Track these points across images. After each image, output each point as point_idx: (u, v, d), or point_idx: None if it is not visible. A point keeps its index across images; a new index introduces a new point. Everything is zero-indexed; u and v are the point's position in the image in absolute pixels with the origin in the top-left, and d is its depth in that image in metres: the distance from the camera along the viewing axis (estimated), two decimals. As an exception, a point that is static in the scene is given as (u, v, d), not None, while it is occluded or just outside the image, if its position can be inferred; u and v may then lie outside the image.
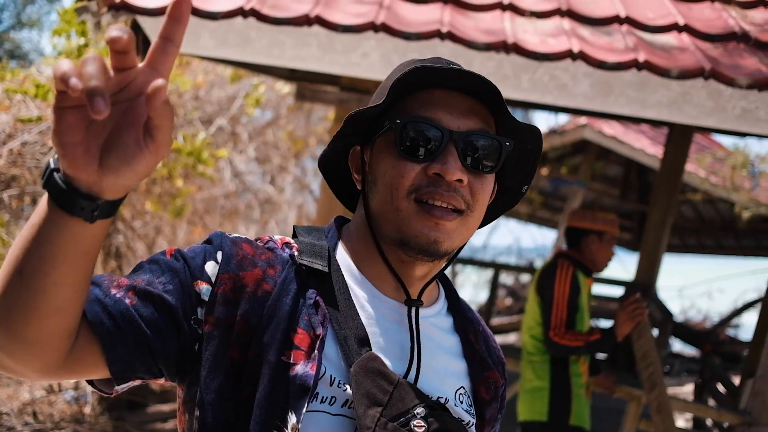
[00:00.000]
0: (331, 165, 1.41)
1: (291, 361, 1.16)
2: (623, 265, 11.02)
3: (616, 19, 3.59)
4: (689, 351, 10.90)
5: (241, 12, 3.21)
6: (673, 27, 3.58)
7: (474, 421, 1.34)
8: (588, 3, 3.71)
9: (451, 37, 3.24)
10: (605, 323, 8.39)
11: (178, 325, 1.15)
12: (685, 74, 3.26)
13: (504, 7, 3.56)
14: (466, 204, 1.23)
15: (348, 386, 1.19)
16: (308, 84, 4.47)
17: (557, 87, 3.59)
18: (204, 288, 1.18)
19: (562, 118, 8.52)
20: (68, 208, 0.91)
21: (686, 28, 3.57)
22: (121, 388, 1.18)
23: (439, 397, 1.28)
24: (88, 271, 1.00)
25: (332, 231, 1.36)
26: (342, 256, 1.32)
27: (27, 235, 0.95)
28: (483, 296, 14.98)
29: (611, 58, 3.27)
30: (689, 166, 8.21)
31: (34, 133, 7.27)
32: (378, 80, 4.19)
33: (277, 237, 1.32)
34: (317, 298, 1.22)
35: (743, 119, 3.66)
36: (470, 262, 11.87)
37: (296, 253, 1.27)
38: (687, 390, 8.58)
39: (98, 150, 0.89)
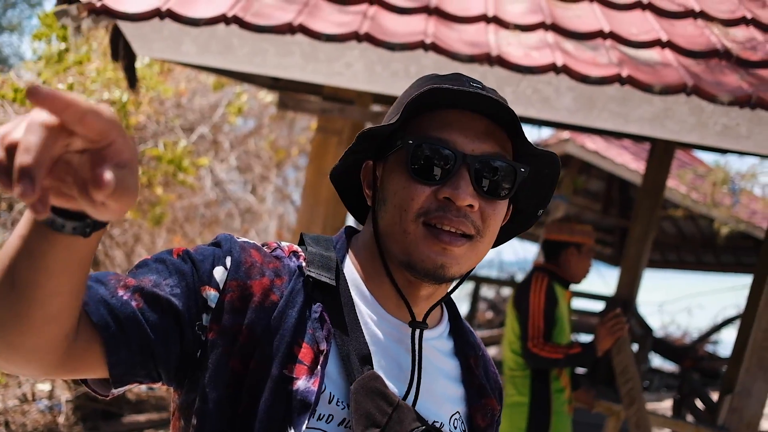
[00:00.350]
0: (342, 177, 1.37)
1: (293, 376, 1.14)
2: (604, 280, 11.05)
3: (600, 34, 3.59)
4: (668, 366, 10.93)
5: (223, 19, 3.19)
6: (657, 43, 3.59)
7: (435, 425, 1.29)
8: (572, 17, 3.71)
9: (435, 48, 3.23)
10: (586, 338, 8.40)
11: (182, 331, 1.13)
12: (668, 90, 3.26)
13: (488, 20, 3.56)
14: (476, 229, 1.21)
15: (346, 405, 1.17)
16: (291, 93, 4.45)
17: (540, 100, 3.59)
18: (211, 294, 1.15)
19: (545, 132, 8.57)
20: (59, 229, 0.84)
21: (669, 44, 3.58)
22: (117, 391, 1.15)
23: (434, 422, 1.26)
24: (84, 277, 0.96)
25: (341, 242, 1.32)
26: (349, 269, 1.29)
27: (16, 246, 0.89)
28: (464, 309, 14.97)
29: (595, 72, 3.27)
30: (671, 182, 8.25)
31: (13, 138, 7.16)
32: (361, 90, 4.17)
33: (284, 244, 1.29)
34: (323, 312, 1.19)
35: (724, 135, 3.67)
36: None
37: (304, 264, 1.24)
38: (666, 405, 8.60)
39: (76, 182, 0.77)
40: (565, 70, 3.25)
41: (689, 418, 6.46)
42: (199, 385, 1.16)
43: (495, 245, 1.37)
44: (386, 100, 5.61)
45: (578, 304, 10.90)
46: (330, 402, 1.17)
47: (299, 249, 1.28)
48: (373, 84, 3.70)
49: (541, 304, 3.77)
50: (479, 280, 9.52)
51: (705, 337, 10.36)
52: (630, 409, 4.21)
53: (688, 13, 3.88)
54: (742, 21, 3.86)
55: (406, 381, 1.24)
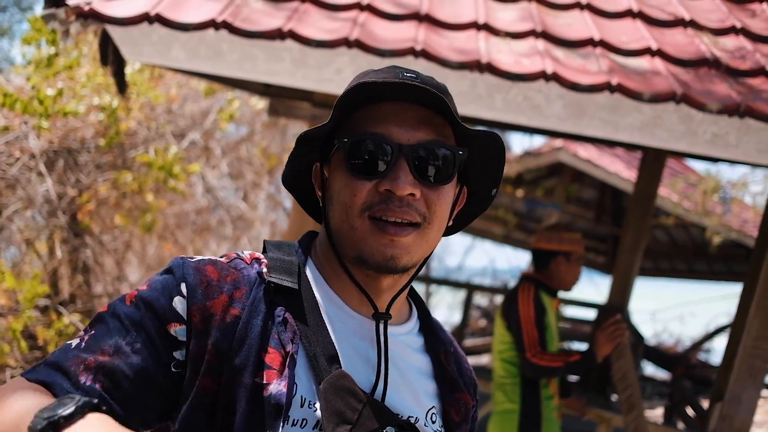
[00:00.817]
0: (298, 182, 1.40)
1: (264, 382, 1.14)
2: (597, 288, 11.06)
3: (590, 42, 3.59)
4: (660, 374, 10.94)
5: (213, 24, 3.17)
6: (647, 51, 3.59)
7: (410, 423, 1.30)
8: (563, 25, 3.71)
9: (425, 55, 3.22)
10: (579, 346, 8.39)
11: (156, 384, 1.14)
12: (657, 98, 3.26)
13: (479, 27, 3.55)
14: (422, 217, 1.22)
15: (317, 406, 1.17)
16: (281, 99, 4.43)
17: (531, 108, 3.58)
18: (179, 329, 1.16)
19: (538, 140, 8.60)
20: None
21: (659, 53, 3.58)
22: None
23: (409, 417, 1.27)
24: None
25: (301, 245, 1.35)
26: (312, 271, 1.31)
27: None
28: (457, 317, 14.98)
29: (584, 80, 3.27)
30: (662, 191, 8.27)
31: (1, 142, 7.16)
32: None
33: (246, 253, 1.29)
34: (285, 314, 1.20)
35: (713, 144, 3.67)
36: (444, 282, 11.84)
37: (265, 270, 1.25)
38: (657, 413, 8.59)
39: None
40: (554, 77, 3.25)
41: (680, 425, 6.46)
42: (179, 412, 1.17)
43: (456, 229, 1.43)
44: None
45: (571, 312, 10.91)
46: (302, 406, 1.17)
47: (261, 255, 1.30)
48: (363, 90, 3.70)
49: (530, 313, 3.76)
50: (472, 288, 9.51)
51: (697, 346, 10.37)
52: (629, 416, 4.20)
53: (678, 22, 3.89)
54: (732, 30, 3.86)
55: (374, 373, 1.25)
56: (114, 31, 3.47)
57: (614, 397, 7.04)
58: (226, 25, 3.17)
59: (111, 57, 3.87)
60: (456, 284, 10.78)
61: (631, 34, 3.74)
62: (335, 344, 1.22)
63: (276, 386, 1.14)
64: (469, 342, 10.78)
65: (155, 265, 8.50)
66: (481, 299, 13.72)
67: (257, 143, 8.84)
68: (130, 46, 3.58)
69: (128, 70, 6.69)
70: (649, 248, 11.00)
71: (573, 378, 6.91)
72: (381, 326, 1.27)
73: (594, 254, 11.30)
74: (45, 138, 7.09)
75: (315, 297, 1.26)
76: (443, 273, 16.31)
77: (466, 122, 4.13)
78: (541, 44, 3.51)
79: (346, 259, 1.26)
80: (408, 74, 1.24)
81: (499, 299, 13.91)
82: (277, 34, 3.18)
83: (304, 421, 1.17)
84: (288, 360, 1.16)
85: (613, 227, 10.22)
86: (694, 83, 3.39)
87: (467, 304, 8.57)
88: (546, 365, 3.68)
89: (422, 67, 3.38)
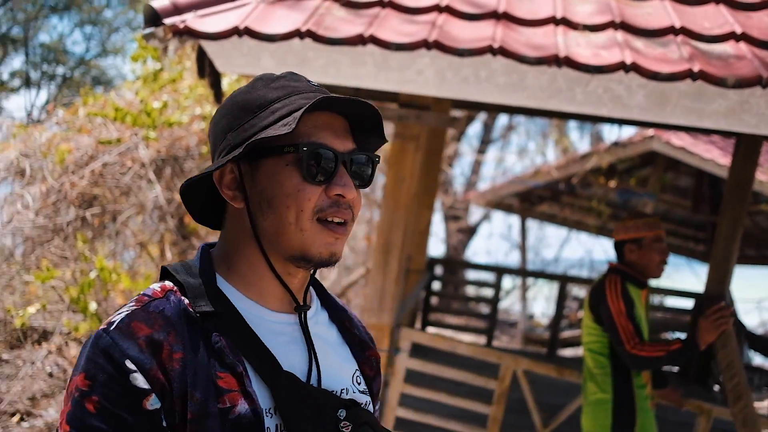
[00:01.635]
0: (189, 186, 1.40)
1: (228, 405, 1.20)
2: (698, 278, 10.78)
3: (671, 30, 3.58)
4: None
5: (297, 34, 3.35)
6: (730, 36, 3.55)
7: (369, 399, 1.43)
8: (642, 15, 3.72)
9: (503, 52, 3.30)
10: (680, 336, 8.22)
11: None
12: (742, 83, 3.24)
13: (557, 22, 3.60)
14: (351, 216, 1.33)
15: (273, 413, 1.25)
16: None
17: (612, 99, 3.61)
18: (152, 400, 1.17)
19: (628, 131, 8.43)
20: None
21: (744, 37, 3.54)
22: None
23: (342, 389, 1.37)
24: None
25: (204, 262, 1.35)
26: (224, 285, 1.33)
27: None
28: (551, 309, 14.85)
29: (665, 68, 3.28)
30: (762, 176, 8.00)
31: (114, 154, 7.60)
32: (433, 96, 4.28)
33: (155, 287, 1.30)
34: (220, 338, 1.24)
35: (807, 127, 3.61)
36: (539, 275, 11.77)
37: (185, 300, 1.27)
38: (766, 404, 8.34)
39: None
40: (634, 67, 3.27)
41: (789, 417, 6.27)
42: None
43: None
44: (464, 104, 5.71)
45: (671, 302, 10.68)
46: (267, 416, 1.25)
47: (170, 284, 1.31)
48: (444, 90, 3.81)
49: (621, 307, 3.72)
50: (566, 280, 9.45)
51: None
52: (736, 406, 4.05)
53: (764, 5, 3.82)
54: (821, 9, 3.78)
55: (307, 363, 1.34)
56: (208, 46, 3.69)
57: (716, 388, 6.89)
58: (310, 34, 3.34)
59: (207, 69, 4.11)
60: (550, 276, 10.70)
61: (714, 19, 3.71)
62: (270, 350, 1.28)
63: (242, 406, 1.21)
64: (566, 334, 10.70)
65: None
66: (579, 291, 13.58)
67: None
68: (223, 59, 3.80)
69: (226, 81, 7.00)
70: (753, 235, 10.65)
71: (674, 368, 6.81)
72: (302, 317, 1.36)
73: (693, 243, 11.04)
74: (153, 148, 7.50)
75: (236, 310, 1.29)
76: (539, 265, 16.19)
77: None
78: (620, 35, 3.53)
79: (276, 258, 1.32)
80: (311, 83, 1.35)
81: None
82: (359, 40, 3.33)
83: (277, 427, 1.25)
84: (244, 379, 1.23)
85: (712, 215, 9.94)
86: (780, 66, 3.34)
87: (562, 296, 8.53)
88: (647, 355, 3.65)
89: (501, 64, 3.46)
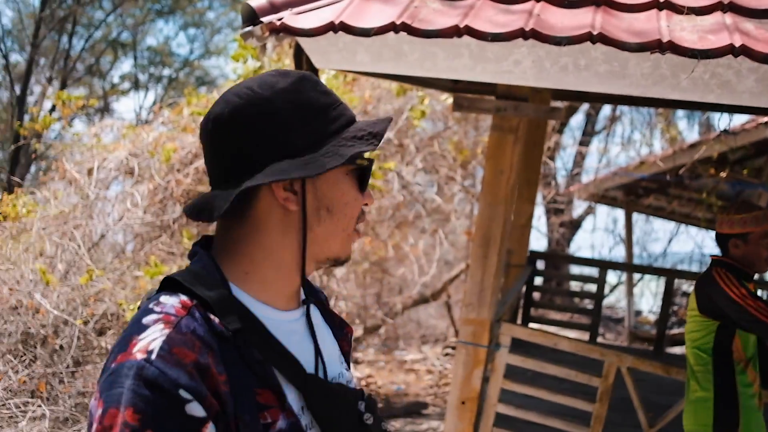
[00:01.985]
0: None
1: (269, 421, 1.20)
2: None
3: (784, 10, 3.39)
4: None
5: (393, 27, 3.33)
6: None
7: (351, 375, 1.49)
8: (754, -5, 3.53)
9: (603, 39, 3.19)
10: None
11: None
12: None
13: (660, 6, 3.46)
14: None
15: (302, 412, 1.27)
16: (465, 94, 4.54)
17: (719, 85, 3.44)
18: (210, 428, 1.14)
19: (739, 119, 8.01)
20: None
21: None
22: None
23: (338, 373, 1.42)
24: None
25: (213, 270, 1.30)
26: (238, 293, 1.30)
27: None
28: (657, 305, 14.37)
29: (778, 51, 3.10)
30: None
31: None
32: (530, 87, 4.19)
33: (174, 303, 1.22)
34: (252, 351, 1.23)
35: None
36: (644, 269, 11.39)
37: (214, 318, 1.22)
38: None
39: None
40: (744, 51, 3.10)
41: None
42: None
43: None
44: (565, 95, 5.57)
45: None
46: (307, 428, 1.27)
47: (187, 299, 1.24)
48: (543, 80, 3.72)
49: (742, 291, 3.56)
50: (674, 274, 9.09)
51: None
52: None
53: None
54: None
55: (314, 355, 1.36)
56: (304, 42, 3.72)
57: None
58: (405, 27, 3.31)
59: (305, 66, 4.14)
60: (657, 271, 10.31)
61: (834, -4, 3.48)
62: (294, 355, 1.29)
63: (283, 422, 1.22)
64: (675, 331, 10.33)
65: (359, 259, 8.88)
66: (689, 287, 13.09)
67: (449, 138, 9.01)
68: (319, 55, 3.82)
69: (324, 77, 7.06)
70: None
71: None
72: (305, 311, 1.40)
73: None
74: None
75: (261, 323, 1.28)
76: (646, 260, 15.68)
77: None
78: (728, 18, 3.35)
79: (309, 262, 1.35)
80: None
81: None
82: (454, 32, 3.28)
83: (306, 426, 1.26)
84: (281, 393, 1.23)
85: (836, 205, 9.39)
86: None
87: (669, 291, 8.21)
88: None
89: (601, 51, 3.35)
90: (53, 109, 16.75)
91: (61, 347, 7.35)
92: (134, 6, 22.99)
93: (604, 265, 8.63)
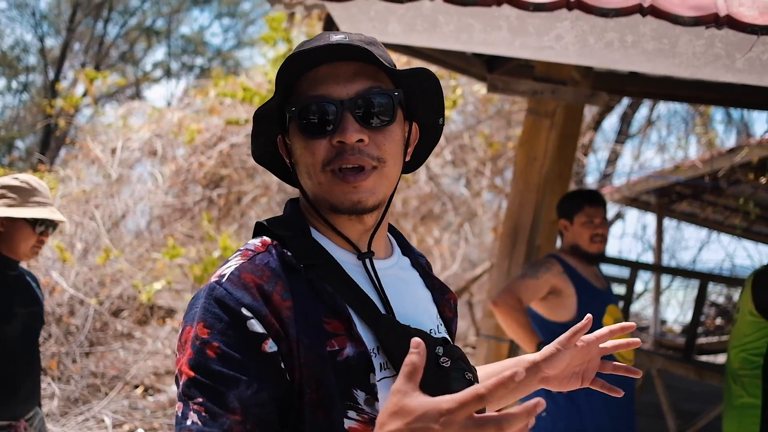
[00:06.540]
0: (269, 156, 1.53)
1: (336, 348, 1.27)
2: None
3: None
4: None
5: (425, -7, 3.12)
6: None
7: (450, 339, 1.53)
8: (818, -27, 3.27)
9: (654, 12, 2.96)
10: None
11: (290, 402, 1.25)
12: None
13: (716, -19, 3.22)
14: (375, 159, 1.35)
15: (377, 352, 1.32)
16: (500, 76, 4.31)
17: (779, 67, 3.20)
18: (270, 344, 1.23)
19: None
20: None
21: None
22: None
23: (430, 329, 1.45)
24: None
25: (296, 215, 1.45)
26: (317, 235, 1.43)
27: None
28: (689, 314, 14.02)
29: None
30: None
31: (242, 135, 7.64)
32: (572, 64, 3.95)
33: (255, 242, 1.39)
34: (323, 284, 1.32)
35: None
36: (677, 271, 11.07)
37: (287, 253, 1.34)
38: None
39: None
40: (809, 29, 2.86)
41: None
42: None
43: (417, 164, 1.61)
44: (602, 87, 5.33)
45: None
46: (371, 354, 1.31)
47: (269, 239, 1.39)
48: (586, 57, 3.49)
49: None
50: (709, 278, 8.73)
51: None
52: None
53: None
54: None
55: (382, 306, 1.38)
56: (334, 10, 3.52)
57: None
58: (440, -7, 3.11)
59: (332, 37, 3.95)
60: (690, 273, 9.96)
61: None
62: (368, 295, 1.36)
63: (350, 348, 1.28)
64: (702, 340, 10.03)
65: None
66: (717, 297, 12.76)
67: (480, 131, 8.78)
68: (349, 24, 3.62)
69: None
70: None
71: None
72: (368, 263, 1.42)
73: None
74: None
75: (335, 261, 1.37)
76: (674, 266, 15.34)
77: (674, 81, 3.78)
78: (792, -6, 3.11)
79: (324, 211, 1.40)
80: (335, 36, 1.36)
81: (738, 295, 12.89)
82: (494, 0, 3.07)
83: (381, 366, 1.32)
84: (350, 323, 1.30)
85: None
86: None
87: (701, 295, 7.89)
88: None
89: (651, 27, 3.12)
90: (85, 94, 16.80)
91: (76, 327, 7.25)
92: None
93: (635, 266, 8.34)
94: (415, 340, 1.12)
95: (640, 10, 2.97)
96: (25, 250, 3.22)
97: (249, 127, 7.45)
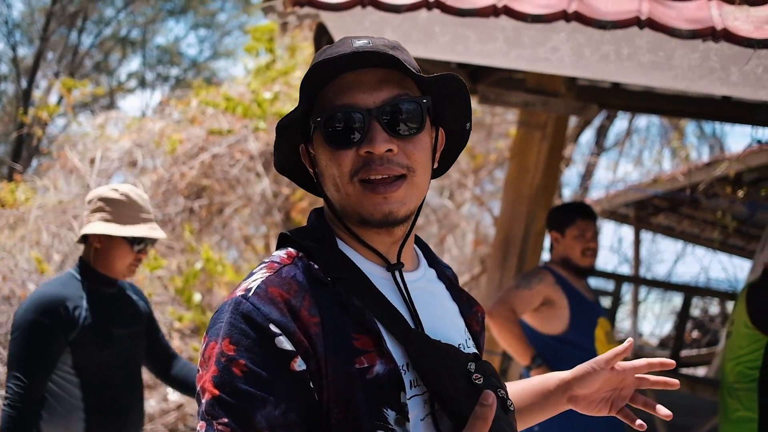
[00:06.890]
0: (291, 165, 1.49)
1: (366, 365, 1.23)
2: None
3: None
4: None
5: (425, 4, 3.11)
6: None
7: (477, 353, 1.45)
8: (812, -13, 3.31)
9: (651, 25, 2.98)
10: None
11: (317, 421, 1.21)
12: None
13: (711, -6, 3.25)
14: (405, 168, 1.31)
15: (407, 369, 1.28)
16: (492, 87, 4.31)
17: (773, 80, 3.22)
18: (298, 363, 1.20)
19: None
20: None
21: None
22: None
23: (459, 344, 1.41)
24: None
25: (322, 226, 1.40)
26: (344, 247, 1.38)
27: None
28: (667, 328, 14.09)
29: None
30: None
31: (224, 145, 7.58)
32: (567, 76, 3.97)
33: (281, 254, 1.35)
34: (352, 299, 1.28)
35: None
36: (661, 284, 11.12)
37: (314, 265, 1.30)
38: None
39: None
40: (805, 43, 2.89)
41: None
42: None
43: (443, 170, 1.56)
44: (586, 99, 5.35)
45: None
46: (402, 371, 1.27)
47: (294, 251, 1.35)
48: (581, 69, 3.50)
49: None
50: (693, 291, 8.78)
51: None
52: None
53: None
54: None
55: (412, 320, 1.34)
56: (328, 19, 3.50)
57: None
58: (439, 5, 3.10)
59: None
60: (673, 286, 10.01)
61: None
62: (398, 309, 1.31)
63: (380, 366, 1.23)
64: (684, 353, 10.09)
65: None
66: (692, 309, 12.85)
67: (462, 143, 8.79)
68: (343, 34, 3.60)
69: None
70: None
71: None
72: (397, 276, 1.37)
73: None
74: (262, 140, 7.45)
75: (364, 274, 1.33)
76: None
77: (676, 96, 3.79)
78: (785, 9, 3.14)
79: (351, 223, 1.35)
80: (359, 42, 1.32)
81: (714, 310, 12.98)
82: (491, 11, 3.07)
83: (411, 383, 1.27)
84: (380, 340, 1.25)
85: None
86: None
87: (686, 307, 7.92)
88: None
89: (647, 40, 3.13)
90: (59, 102, 16.58)
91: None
92: (146, 4, 22.88)
93: (619, 279, 8.38)
94: (487, 393, 1.09)
95: (637, 22, 2.99)
96: (122, 268, 3.02)
97: (231, 138, 7.38)
